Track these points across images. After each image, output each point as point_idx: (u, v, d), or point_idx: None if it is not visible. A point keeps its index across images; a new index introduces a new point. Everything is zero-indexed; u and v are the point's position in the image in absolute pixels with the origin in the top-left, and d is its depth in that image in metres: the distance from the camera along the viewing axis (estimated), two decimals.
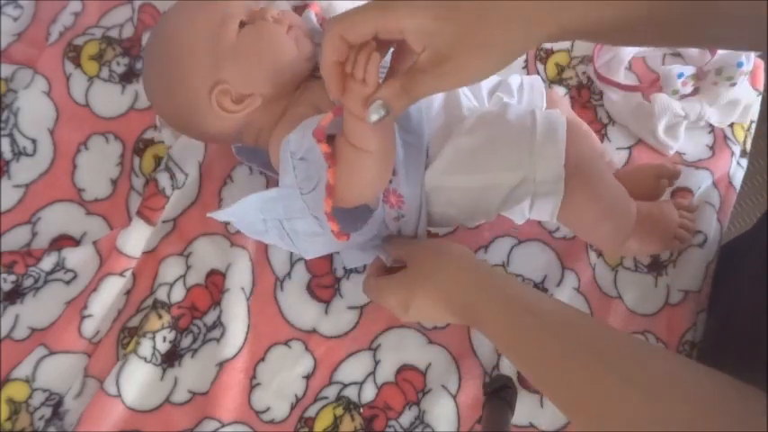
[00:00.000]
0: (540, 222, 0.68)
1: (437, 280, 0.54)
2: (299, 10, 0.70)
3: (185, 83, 0.56)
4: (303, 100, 0.57)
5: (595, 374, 0.42)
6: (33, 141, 0.67)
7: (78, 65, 0.70)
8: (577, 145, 0.57)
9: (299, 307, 0.65)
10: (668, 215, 0.64)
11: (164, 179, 0.64)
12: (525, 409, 0.62)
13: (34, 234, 0.65)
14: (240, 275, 0.64)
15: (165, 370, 0.63)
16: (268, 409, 0.62)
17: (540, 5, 0.40)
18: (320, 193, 0.52)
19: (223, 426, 0.61)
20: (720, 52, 0.70)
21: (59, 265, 0.64)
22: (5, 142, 0.67)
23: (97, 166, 0.68)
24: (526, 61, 0.74)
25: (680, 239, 0.64)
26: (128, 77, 0.71)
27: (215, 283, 0.65)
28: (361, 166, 0.50)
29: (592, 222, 0.60)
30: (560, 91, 0.72)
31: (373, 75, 0.43)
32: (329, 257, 0.66)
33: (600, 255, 0.67)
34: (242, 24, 0.56)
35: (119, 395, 0.60)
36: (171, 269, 0.65)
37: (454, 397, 0.62)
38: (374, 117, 0.44)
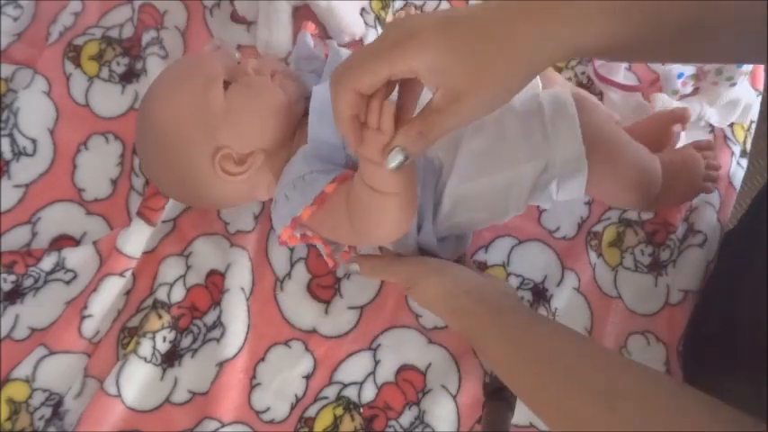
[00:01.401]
0: (540, 222, 0.68)
1: (444, 274, 0.56)
2: (300, 11, 0.71)
3: (186, 160, 0.56)
4: (304, 142, 0.57)
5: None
6: (33, 141, 0.67)
7: (78, 65, 0.70)
8: (589, 117, 0.57)
9: (299, 307, 0.65)
10: (692, 160, 0.63)
11: None
12: (525, 409, 0.62)
13: (34, 234, 0.65)
14: (240, 275, 0.64)
15: (165, 370, 0.63)
16: (268, 409, 0.62)
17: (555, 31, 0.39)
18: (289, 209, 0.53)
19: (223, 426, 0.61)
20: None
21: (59, 265, 0.63)
22: (5, 142, 0.67)
23: (97, 166, 0.68)
24: None
25: (711, 181, 0.64)
26: (128, 77, 0.71)
27: (215, 283, 0.65)
28: (381, 209, 0.49)
29: (619, 191, 0.60)
30: None
31: (389, 123, 0.42)
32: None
33: (600, 255, 0.67)
34: (226, 84, 0.56)
35: (119, 395, 0.60)
36: (171, 269, 0.65)
37: (454, 397, 0.62)
38: (393, 164, 0.43)
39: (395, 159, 0.42)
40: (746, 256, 0.57)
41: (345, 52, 0.61)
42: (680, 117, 0.65)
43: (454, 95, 0.40)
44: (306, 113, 0.56)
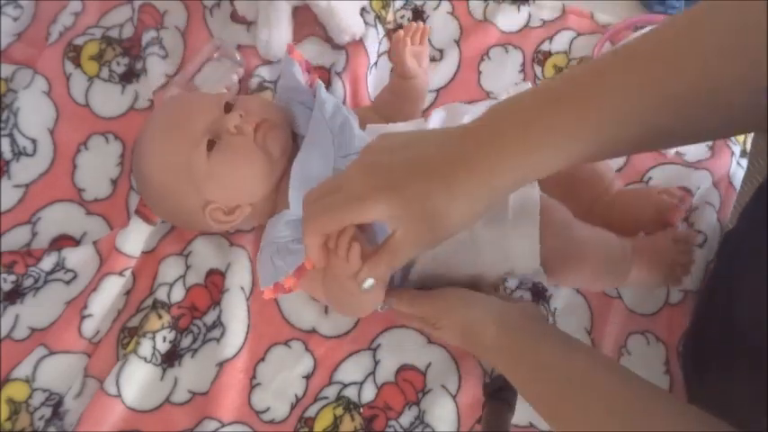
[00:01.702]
0: None
1: (468, 307, 0.56)
2: (300, 11, 0.71)
3: (180, 208, 0.61)
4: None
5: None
6: (33, 141, 0.68)
7: (78, 65, 0.70)
8: (551, 224, 0.57)
9: (299, 307, 0.65)
10: (662, 254, 0.62)
11: None
12: (525, 409, 0.62)
13: (34, 234, 0.65)
14: (240, 275, 0.64)
15: (165, 370, 0.63)
16: (268, 409, 0.62)
17: (511, 166, 0.41)
18: (274, 273, 0.55)
19: (223, 426, 0.61)
20: None
21: (59, 265, 0.64)
22: (5, 142, 0.67)
23: (97, 166, 0.68)
24: (523, 65, 0.74)
25: (679, 274, 0.62)
26: (128, 77, 0.71)
27: (215, 282, 0.65)
28: (351, 300, 0.54)
29: (586, 282, 0.63)
30: None
31: (355, 257, 0.45)
32: None
33: None
34: (210, 144, 0.58)
35: (119, 395, 0.60)
36: (170, 269, 0.65)
37: (454, 397, 0.62)
38: (365, 286, 0.46)
39: (366, 284, 0.46)
40: (746, 256, 0.57)
41: (331, 100, 0.62)
42: (672, 218, 0.64)
43: (413, 235, 0.43)
44: (295, 152, 0.59)
